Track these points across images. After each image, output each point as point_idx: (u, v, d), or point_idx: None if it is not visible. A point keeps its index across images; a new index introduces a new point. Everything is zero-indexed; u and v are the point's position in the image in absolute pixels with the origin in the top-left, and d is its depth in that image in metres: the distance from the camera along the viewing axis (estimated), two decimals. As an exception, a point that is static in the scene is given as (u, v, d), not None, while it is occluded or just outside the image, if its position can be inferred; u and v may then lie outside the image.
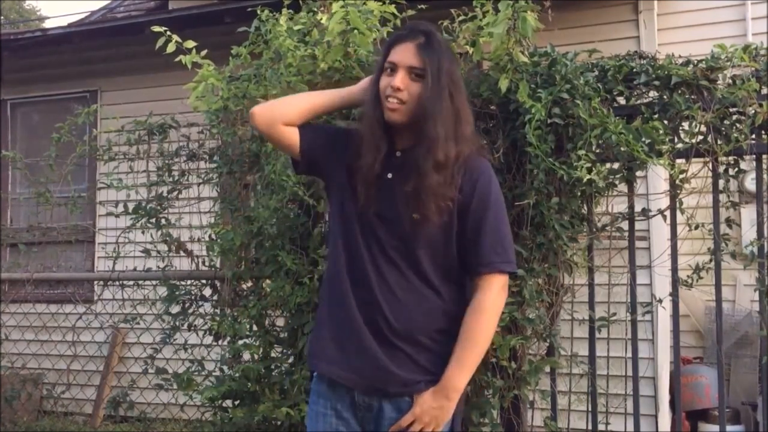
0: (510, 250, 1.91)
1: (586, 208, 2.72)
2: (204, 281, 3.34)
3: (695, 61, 2.64)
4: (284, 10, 2.85)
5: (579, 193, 2.64)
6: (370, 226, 1.90)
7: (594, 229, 2.75)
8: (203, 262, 3.38)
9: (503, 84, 2.52)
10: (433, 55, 1.85)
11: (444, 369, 1.85)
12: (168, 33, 2.96)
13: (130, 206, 3.41)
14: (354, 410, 1.91)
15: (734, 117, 2.63)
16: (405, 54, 1.86)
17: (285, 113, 2.01)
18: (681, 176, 2.66)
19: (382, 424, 1.88)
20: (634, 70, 2.65)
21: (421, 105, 1.83)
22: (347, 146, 1.97)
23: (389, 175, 1.90)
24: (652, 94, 2.68)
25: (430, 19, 2.73)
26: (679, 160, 2.67)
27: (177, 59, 2.97)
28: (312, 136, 2.04)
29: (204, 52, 3.01)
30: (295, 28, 2.77)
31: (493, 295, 1.86)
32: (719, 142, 2.61)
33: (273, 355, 2.90)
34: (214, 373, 3.05)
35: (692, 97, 2.61)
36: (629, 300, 2.82)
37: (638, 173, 2.77)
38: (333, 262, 1.97)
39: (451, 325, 1.88)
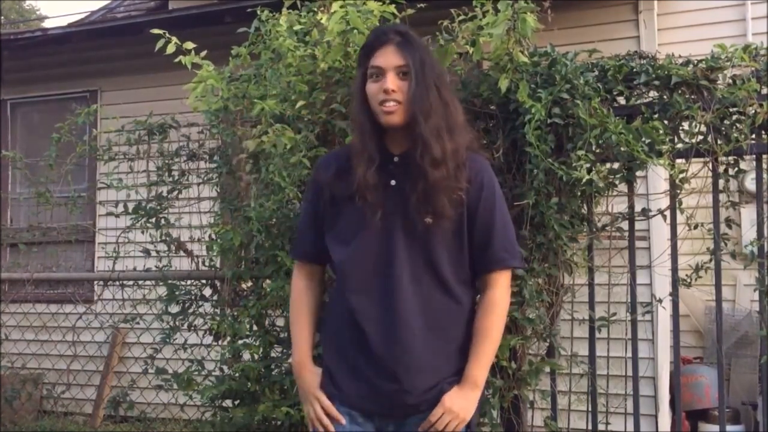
0: (516, 245, 1.96)
1: (586, 208, 2.72)
2: (204, 281, 3.34)
3: (695, 61, 2.64)
4: (284, 10, 2.85)
5: (579, 193, 2.64)
6: (385, 240, 1.87)
7: (594, 229, 2.75)
8: (203, 262, 3.38)
9: (503, 84, 2.51)
10: (414, 52, 1.86)
11: (462, 365, 1.87)
12: (167, 35, 2.96)
13: (130, 206, 3.41)
14: (372, 416, 1.89)
15: (734, 117, 2.63)
16: (388, 56, 1.85)
17: None
18: (681, 176, 2.66)
19: (406, 427, 1.88)
20: (634, 70, 2.65)
21: (411, 103, 1.83)
22: (325, 189, 1.95)
23: (393, 183, 1.88)
24: (652, 94, 2.67)
25: (430, 19, 2.75)
26: (679, 160, 2.67)
27: (177, 60, 2.97)
28: (320, 242, 2.00)
29: (204, 53, 3.01)
30: (295, 28, 2.77)
31: (502, 291, 1.92)
32: (719, 142, 2.61)
33: (273, 355, 2.90)
34: (214, 373, 3.05)
35: (692, 97, 2.61)
36: (629, 300, 2.82)
37: (638, 173, 2.76)
38: (343, 283, 1.93)
39: (469, 332, 1.91)
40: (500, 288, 1.91)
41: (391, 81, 1.83)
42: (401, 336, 1.83)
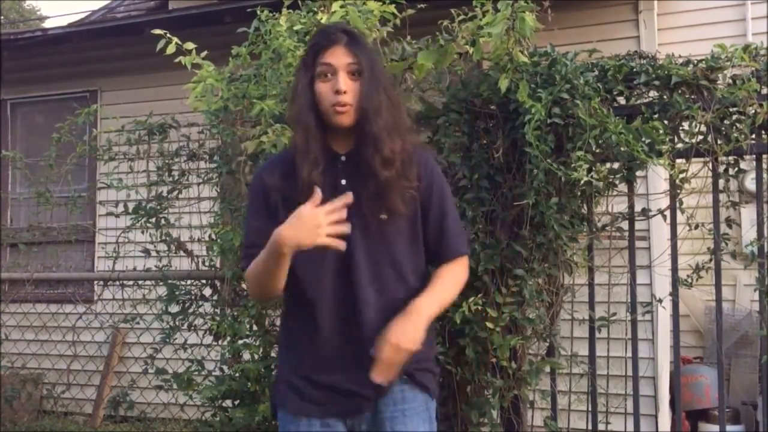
0: (464, 231, 2.02)
1: (586, 208, 2.72)
2: (204, 281, 3.34)
3: (695, 61, 2.64)
4: (284, 10, 2.85)
5: (579, 193, 2.64)
6: (341, 240, 1.79)
7: (594, 229, 2.75)
8: (203, 262, 3.38)
9: (503, 84, 2.51)
10: (363, 51, 1.85)
11: (419, 356, 1.82)
12: (168, 35, 2.96)
13: (130, 206, 3.41)
14: (343, 418, 1.87)
15: (734, 117, 2.63)
16: (339, 55, 1.83)
17: (272, 295, 1.89)
18: (681, 176, 2.67)
19: (379, 414, 1.85)
20: (634, 70, 2.65)
21: (363, 102, 1.82)
22: (273, 193, 1.88)
23: (343, 182, 1.85)
24: (652, 94, 2.68)
25: (430, 19, 2.75)
26: (679, 160, 2.68)
27: (177, 60, 2.97)
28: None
29: (204, 53, 3.01)
30: (295, 28, 2.77)
31: (460, 267, 1.94)
32: (719, 142, 2.61)
33: (273, 354, 2.90)
34: (214, 373, 3.05)
35: (692, 97, 2.61)
36: (629, 300, 2.83)
37: (638, 173, 2.77)
38: (303, 284, 1.85)
39: None
40: (459, 266, 1.94)
41: (343, 81, 1.81)
42: (364, 336, 1.80)
